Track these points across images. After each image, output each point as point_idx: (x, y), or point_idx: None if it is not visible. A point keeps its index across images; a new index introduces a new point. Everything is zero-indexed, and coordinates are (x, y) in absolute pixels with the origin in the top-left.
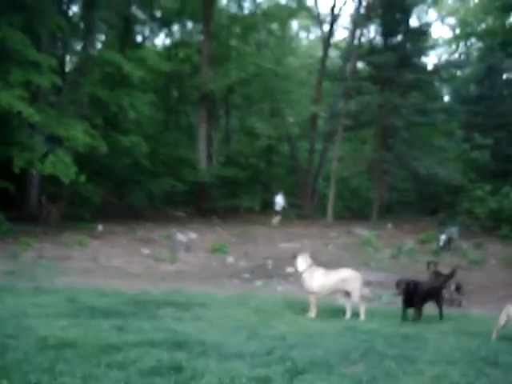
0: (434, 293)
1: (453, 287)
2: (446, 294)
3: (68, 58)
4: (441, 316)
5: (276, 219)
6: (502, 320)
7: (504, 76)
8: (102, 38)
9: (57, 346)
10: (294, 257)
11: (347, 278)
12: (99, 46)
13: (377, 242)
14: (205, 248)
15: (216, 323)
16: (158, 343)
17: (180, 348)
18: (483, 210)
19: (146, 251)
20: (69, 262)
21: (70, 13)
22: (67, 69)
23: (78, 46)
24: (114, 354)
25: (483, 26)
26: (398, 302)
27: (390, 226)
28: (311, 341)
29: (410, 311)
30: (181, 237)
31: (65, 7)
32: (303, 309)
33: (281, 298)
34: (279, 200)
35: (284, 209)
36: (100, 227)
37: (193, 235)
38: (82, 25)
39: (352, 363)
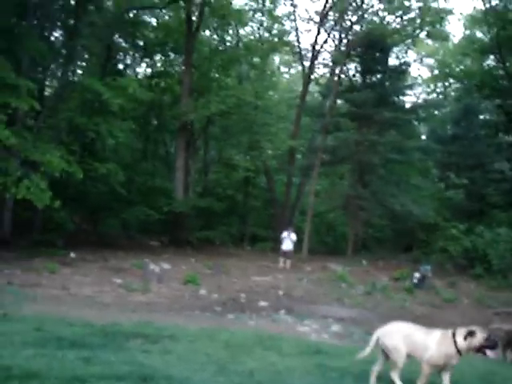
0: None
1: None
2: None
3: (48, 82)
4: None
5: (287, 262)
6: None
7: (480, 117)
8: (83, 64)
9: (21, 377)
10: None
11: None
12: (80, 72)
13: (351, 278)
14: (177, 279)
15: (184, 357)
16: (124, 376)
17: (146, 382)
18: (457, 249)
19: (117, 280)
20: (38, 289)
21: (52, 38)
22: (46, 93)
23: (59, 72)
24: None
25: (461, 67)
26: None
27: (364, 262)
28: (279, 378)
29: None
30: (153, 267)
31: (47, 32)
32: (273, 345)
33: (252, 333)
34: (291, 238)
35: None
36: (72, 254)
37: (166, 266)
38: (63, 51)
39: None
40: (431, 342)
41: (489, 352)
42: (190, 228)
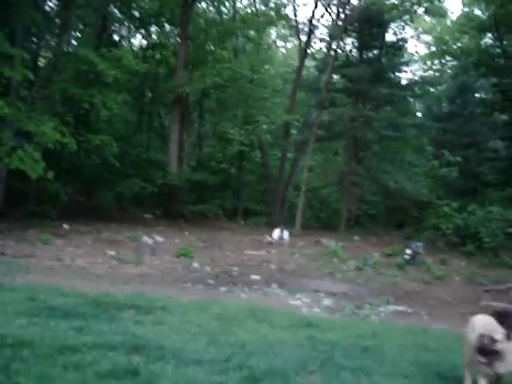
0: None
1: None
2: None
3: (42, 53)
4: None
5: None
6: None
7: (476, 95)
8: (78, 34)
9: (14, 345)
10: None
11: None
12: (74, 42)
13: (343, 254)
14: (171, 252)
15: (176, 328)
16: (116, 346)
17: (138, 352)
18: (449, 226)
19: (110, 252)
20: (31, 260)
21: (47, 8)
22: (40, 64)
23: (53, 42)
24: (71, 356)
25: (458, 44)
26: (361, 313)
27: (356, 238)
28: (270, 349)
29: None
30: (147, 239)
31: (41, 2)
32: (265, 317)
33: (244, 306)
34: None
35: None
36: (65, 226)
37: (159, 238)
38: (57, 21)
39: (309, 373)
40: None
41: None
42: (183, 201)
